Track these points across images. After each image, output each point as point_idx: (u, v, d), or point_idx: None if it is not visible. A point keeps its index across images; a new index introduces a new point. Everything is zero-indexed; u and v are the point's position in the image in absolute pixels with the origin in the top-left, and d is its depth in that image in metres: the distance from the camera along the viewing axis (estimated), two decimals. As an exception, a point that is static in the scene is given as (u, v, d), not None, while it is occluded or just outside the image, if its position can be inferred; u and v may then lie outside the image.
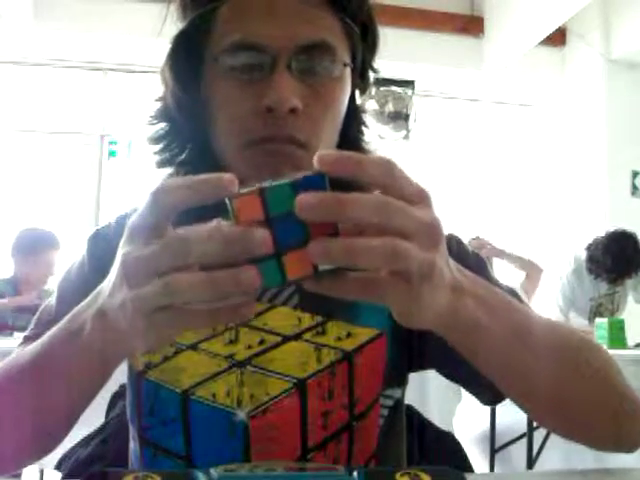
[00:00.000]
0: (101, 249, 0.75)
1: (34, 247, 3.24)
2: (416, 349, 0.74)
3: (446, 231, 0.78)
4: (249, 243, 0.40)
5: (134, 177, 4.53)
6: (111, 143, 4.74)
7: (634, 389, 0.63)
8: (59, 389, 0.56)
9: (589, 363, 0.61)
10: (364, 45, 0.71)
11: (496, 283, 0.74)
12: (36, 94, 4.60)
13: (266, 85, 0.63)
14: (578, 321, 3.36)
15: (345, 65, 0.67)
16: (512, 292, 0.72)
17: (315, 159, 0.41)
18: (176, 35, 0.69)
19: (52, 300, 0.76)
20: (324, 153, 0.41)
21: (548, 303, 3.42)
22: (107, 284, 0.48)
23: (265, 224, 0.41)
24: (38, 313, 0.75)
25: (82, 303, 0.53)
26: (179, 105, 0.71)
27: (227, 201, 0.41)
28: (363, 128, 0.77)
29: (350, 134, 0.73)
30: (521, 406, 0.62)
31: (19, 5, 3.99)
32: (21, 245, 3.28)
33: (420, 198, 0.44)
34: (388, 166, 0.43)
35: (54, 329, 0.56)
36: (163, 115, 0.73)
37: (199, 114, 0.69)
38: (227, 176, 0.41)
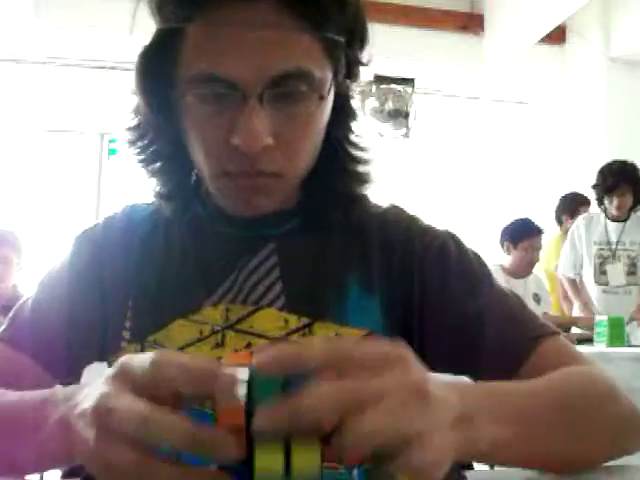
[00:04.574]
0: (84, 252, 0.75)
1: None
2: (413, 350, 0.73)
3: (444, 228, 0.78)
4: (221, 453, 0.38)
5: (134, 175, 4.52)
6: (111, 141, 4.73)
7: (633, 389, 0.61)
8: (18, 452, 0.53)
9: (595, 415, 0.58)
10: (350, 48, 0.66)
11: (500, 291, 0.73)
12: (36, 92, 4.59)
13: (237, 117, 0.60)
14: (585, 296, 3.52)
15: (322, 98, 0.63)
16: (515, 296, 0.73)
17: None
18: (142, 51, 0.67)
19: (28, 300, 0.74)
20: (259, 360, 0.37)
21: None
22: (80, 397, 0.44)
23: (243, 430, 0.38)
24: (12, 313, 0.74)
25: (54, 393, 0.51)
26: (149, 122, 0.70)
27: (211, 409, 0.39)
28: (352, 125, 0.72)
29: (336, 136, 0.70)
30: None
31: (19, 3, 3.99)
32: None
33: (387, 361, 0.40)
34: (331, 347, 0.39)
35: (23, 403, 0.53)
36: (137, 128, 0.72)
37: (170, 133, 0.68)
38: (227, 378, 0.38)
